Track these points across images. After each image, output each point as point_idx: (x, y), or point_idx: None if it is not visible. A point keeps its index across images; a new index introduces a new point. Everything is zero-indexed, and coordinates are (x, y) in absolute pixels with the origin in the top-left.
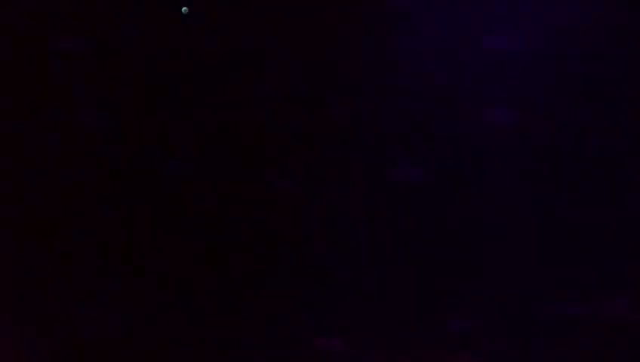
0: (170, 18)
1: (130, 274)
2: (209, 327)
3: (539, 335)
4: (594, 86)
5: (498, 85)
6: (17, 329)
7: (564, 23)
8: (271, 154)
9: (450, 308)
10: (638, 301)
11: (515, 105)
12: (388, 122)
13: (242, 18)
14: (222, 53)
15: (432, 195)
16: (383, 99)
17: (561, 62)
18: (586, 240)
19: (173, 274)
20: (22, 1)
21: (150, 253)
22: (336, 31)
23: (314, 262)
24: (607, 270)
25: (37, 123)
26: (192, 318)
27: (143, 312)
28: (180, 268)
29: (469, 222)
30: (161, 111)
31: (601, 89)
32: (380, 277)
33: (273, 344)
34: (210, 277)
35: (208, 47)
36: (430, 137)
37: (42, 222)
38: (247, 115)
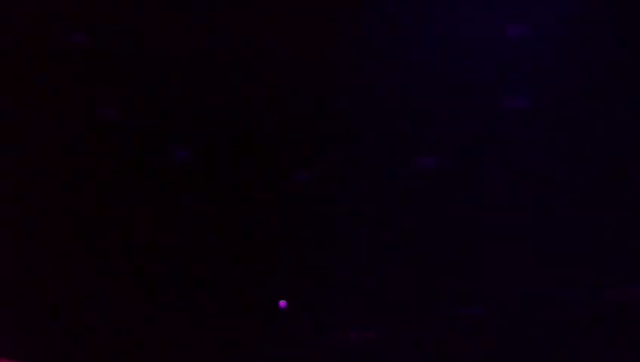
0: (182, 17)
1: (130, 273)
2: (209, 327)
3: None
4: (616, 75)
5: (519, 73)
6: (18, 328)
7: (587, 12)
8: (281, 152)
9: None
10: (637, 298)
11: (535, 94)
12: (406, 113)
13: (254, 17)
14: (233, 51)
15: (452, 182)
16: (398, 90)
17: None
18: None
19: (175, 273)
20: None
21: (151, 251)
22: (356, 22)
23: (323, 260)
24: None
25: (48, 118)
26: (192, 318)
27: (143, 311)
28: (181, 266)
29: (486, 210)
30: (174, 107)
31: (623, 78)
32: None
33: (273, 343)
34: (211, 276)
35: (220, 46)
36: (448, 126)
37: (43, 219)
38: (260, 113)
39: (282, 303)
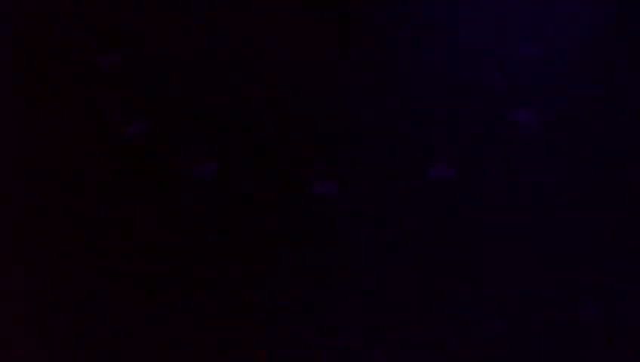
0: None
1: (130, 273)
2: (209, 327)
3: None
4: (621, 92)
5: (524, 86)
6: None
7: (591, 26)
8: (291, 156)
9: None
10: None
11: (540, 105)
12: (412, 122)
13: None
14: (246, 57)
15: (459, 194)
16: (406, 99)
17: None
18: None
19: (175, 273)
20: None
21: (151, 251)
22: (364, 33)
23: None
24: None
25: (64, 127)
26: (192, 318)
27: (143, 311)
28: (182, 267)
29: (493, 221)
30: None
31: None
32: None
33: (273, 344)
34: (211, 276)
35: (235, 49)
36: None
37: (45, 219)
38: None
39: None
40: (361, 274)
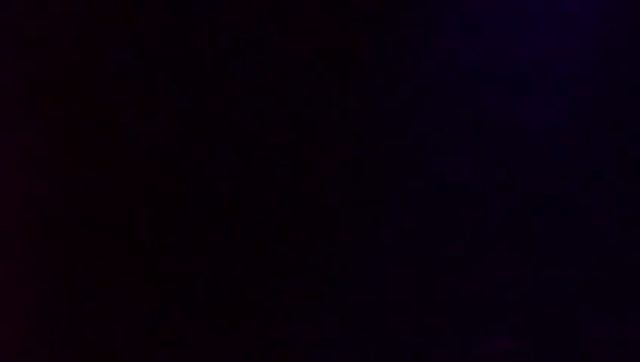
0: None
1: (130, 273)
2: (211, 328)
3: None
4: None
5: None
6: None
7: (605, 26)
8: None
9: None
10: None
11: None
12: (419, 122)
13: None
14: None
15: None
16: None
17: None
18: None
19: (175, 273)
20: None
21: (151, 251)
22: (370, 39)
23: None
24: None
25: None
26: (194, 319)
27: (145, 313)
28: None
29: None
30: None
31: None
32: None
33: (275, 345)
34: (214, 278)
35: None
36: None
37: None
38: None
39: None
40: (364, 276)
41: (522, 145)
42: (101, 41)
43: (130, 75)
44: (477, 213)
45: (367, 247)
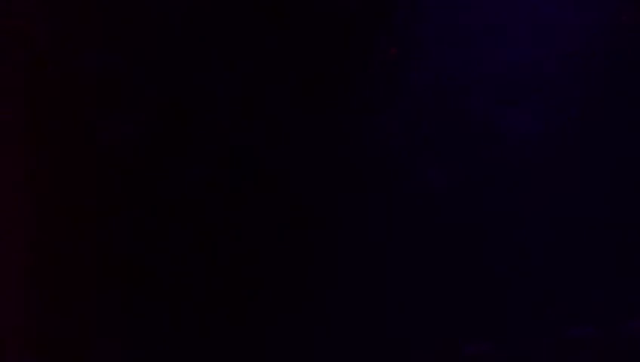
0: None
1: (131, 273)
2: (211, 329)
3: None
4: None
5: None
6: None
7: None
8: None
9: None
10: None
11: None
12: (406, 127)
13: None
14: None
15: (454, 200)
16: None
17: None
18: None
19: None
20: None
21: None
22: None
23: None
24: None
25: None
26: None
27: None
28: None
29: (487, 231)
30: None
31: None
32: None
33: (274, 346)
34: (212, 280)
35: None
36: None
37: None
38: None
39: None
40: (362, 281)
41: (501, 151)
42: (78, 44)
43: (107, 79)
44: (460, 219)
45: (346, 248)
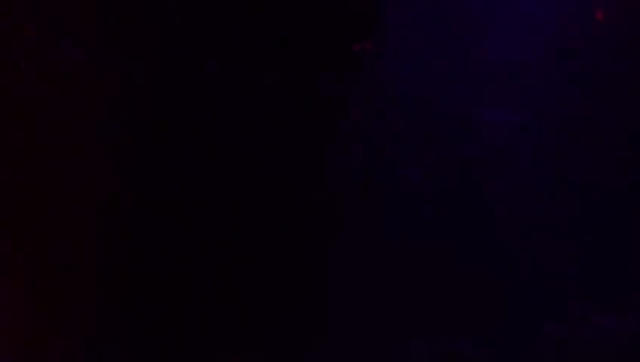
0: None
1: (130, 273)
2: (210, 329)
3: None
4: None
5: (499, 86)
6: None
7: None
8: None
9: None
10: None
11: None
12: (388, 125)
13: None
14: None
15: (433, 197)
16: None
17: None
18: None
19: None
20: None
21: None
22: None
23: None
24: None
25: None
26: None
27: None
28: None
29: (470, 230)
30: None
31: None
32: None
33: (272, 347)
34: (208, 278)
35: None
36: (430, 138)
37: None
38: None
39: None
40: (361, 280)
41: (480, 148)
42: (67, 42)
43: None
44: (440, 217)
45: (321, 245)
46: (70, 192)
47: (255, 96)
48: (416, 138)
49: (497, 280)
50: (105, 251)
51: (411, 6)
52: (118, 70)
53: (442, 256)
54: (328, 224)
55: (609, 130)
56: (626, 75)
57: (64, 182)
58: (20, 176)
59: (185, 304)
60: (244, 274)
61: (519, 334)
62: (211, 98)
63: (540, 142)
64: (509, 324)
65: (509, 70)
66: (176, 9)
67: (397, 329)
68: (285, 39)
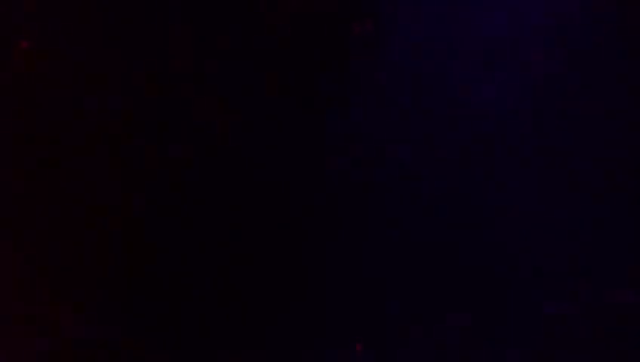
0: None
1: (130, 273)
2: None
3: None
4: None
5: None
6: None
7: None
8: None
9: (448, 306)
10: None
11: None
12: (382, 114)
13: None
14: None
15: (426, 176)
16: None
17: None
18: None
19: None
20: None
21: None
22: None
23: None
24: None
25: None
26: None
27: (144, 313)
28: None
29: (467, 214)
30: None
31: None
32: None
33: (272, 347)
34: (207, 275)
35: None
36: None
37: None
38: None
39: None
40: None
41: (476, 127)
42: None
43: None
44: (433, 196)
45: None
46: (70, 192)
47: (255, 96)
48: (413, 118)
49: (493, 257)
50: (104, 251)
51: None
52: (117, 70)
53: (442, 256)
54: (328, 224)
55: (609, 109)
56: (631, 52)
57: (64, 182)
58: (19, 176)
59: (185, 304)
60: (244, 274)
61: (520, 311)
62: (211, 98)
63: (537, 120)
64: (508, 301)
65: (507, 48)
66: (176, 9)
67: (397, 329)
68: (285, 39)
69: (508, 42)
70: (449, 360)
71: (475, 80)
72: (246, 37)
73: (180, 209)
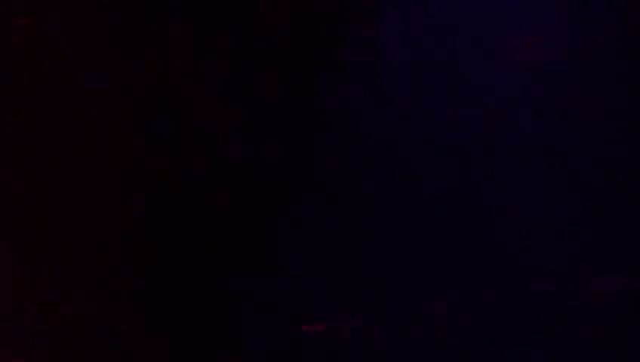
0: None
1: (129, 273)
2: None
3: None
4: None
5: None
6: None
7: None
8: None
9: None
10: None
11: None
12: (387, 101)
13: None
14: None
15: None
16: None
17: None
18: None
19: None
20: None
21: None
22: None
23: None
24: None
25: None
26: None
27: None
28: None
29: (467, 197)
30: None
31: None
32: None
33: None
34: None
35: None
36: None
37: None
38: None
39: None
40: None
41: (479, 108)
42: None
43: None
44: (432, 179)
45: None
46: (70, 192)
47: (255, 96)
48: (416, 99)
49: (483, 235)
50: (104, 251)
51: None
52: (117, 70)
53: (442, 256)
54: (328, 224)
55: (611, 91)
56: (631, 52)
57: (64, 182)
58: (19, 175)
59: (185, 304)
60: (244, 274)
61: (504, 289)
62: (211, 98)
63: (541, 104)
64: (494, 279)
65: (509, 29)
66: (176, 9)
67: (397, 328)
68: (285, 39)
69: (508, 42)
70: (449, 360)
71: (475, 80)
72: (246, 37)
73: (180, 209)
